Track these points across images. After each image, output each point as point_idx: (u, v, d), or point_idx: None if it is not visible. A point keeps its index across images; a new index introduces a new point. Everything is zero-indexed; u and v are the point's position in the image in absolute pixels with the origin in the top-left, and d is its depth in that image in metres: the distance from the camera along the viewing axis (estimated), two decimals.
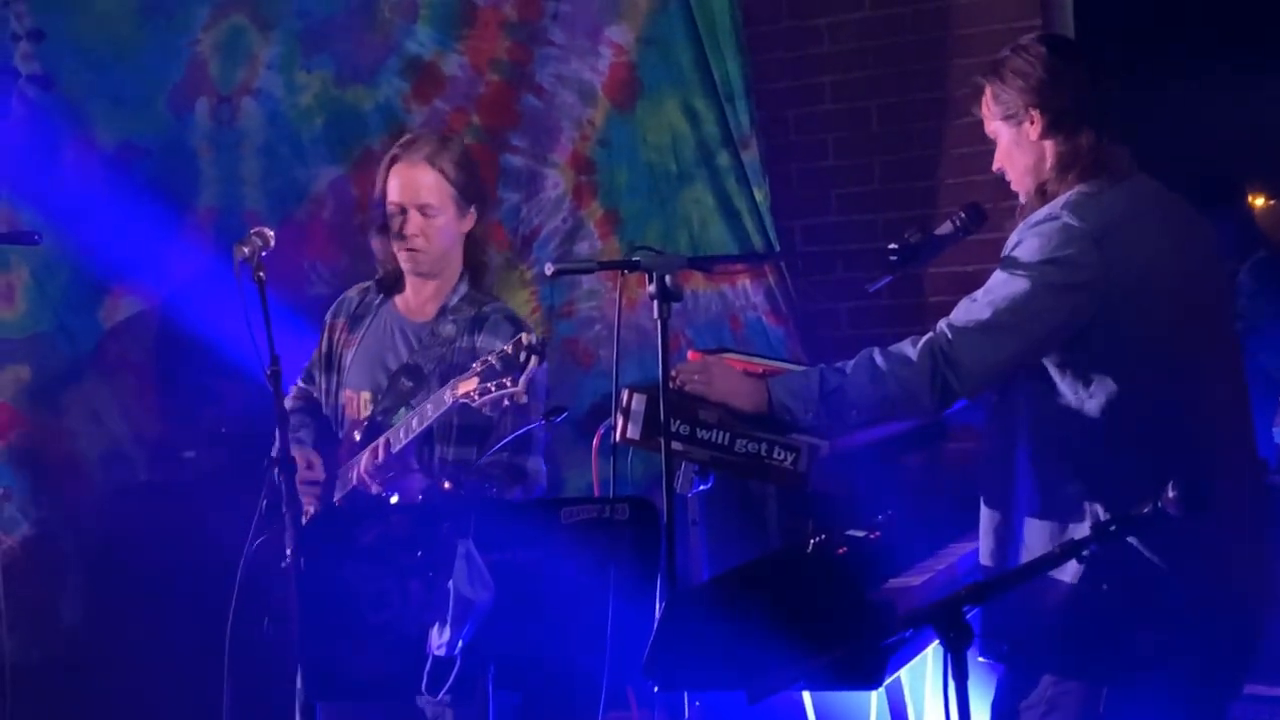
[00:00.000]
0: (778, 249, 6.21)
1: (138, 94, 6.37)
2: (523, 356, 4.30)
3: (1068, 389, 3.84)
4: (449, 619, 3.79)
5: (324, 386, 5.01)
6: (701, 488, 4.04)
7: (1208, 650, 3.79)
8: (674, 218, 6.27)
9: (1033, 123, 3.93)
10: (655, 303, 3.91)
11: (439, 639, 3.83)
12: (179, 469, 6.43)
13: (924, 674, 4.74)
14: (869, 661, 3.72)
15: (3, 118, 6.31)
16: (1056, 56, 3.96)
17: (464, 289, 4.92)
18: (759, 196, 6.18)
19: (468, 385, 4.38)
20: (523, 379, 4.30)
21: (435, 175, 4.83)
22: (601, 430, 4.19)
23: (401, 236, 4.82)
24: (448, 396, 4.45)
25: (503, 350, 4.34)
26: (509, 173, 6.35)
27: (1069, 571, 3.74)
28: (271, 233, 4.61)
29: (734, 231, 6.21)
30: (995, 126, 4.02)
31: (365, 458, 4.68)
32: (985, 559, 3.99)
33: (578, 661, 3.87)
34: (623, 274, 4.19)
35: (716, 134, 6.21)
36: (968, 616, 3.16)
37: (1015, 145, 3.98)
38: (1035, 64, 3.94)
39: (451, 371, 4.69)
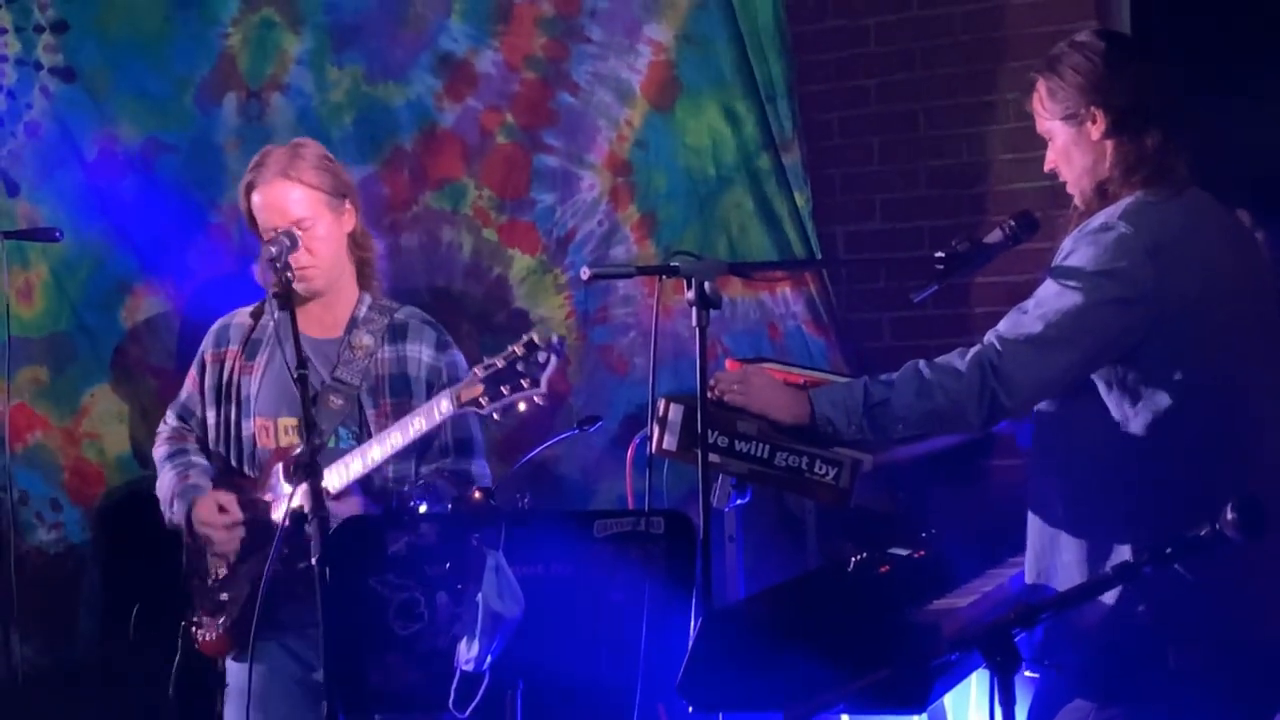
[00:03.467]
0: (819, 256, 6.13)
1: (164, 88, 6.37)
2: (541, 357, 4.26)
3: (1114, 405, 3.75)
4: (478, 633, 3.73)
5: (215, 420, 4.88)
6: (739, 502, 4.02)
7: (1248, 673, 3.72)
8: (712, 222, 6.19)
9: (1095, 122, 3.82)
10: (694, 309, 3.85)
11: (467, 653, 3.76)
12: None
13: (967, 695, 4.68)
14: (914, 684, 3.65)
15: (24, 111, 6.31)
16: (1118, 51, 3.85)
17: (367, 298, 4.84)
18: (800, 201, 6.08)
19: (472, 392, 4.32)
20: (544, 380, 4.26)
21: (297, 187, 4.72)
22: (636, 441, 4.17)
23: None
24: (445, 406, 4.39)
25: (510, 350, 4.29)
26: (543, 173, 6.28)
27: (1110, 593, 3.66)
28: (299, 233, 4.58)
29: (774, 237, 6.12)
30: (1050, 126, 3.91)
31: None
32: (1029, 578, 3.93)
33: (609, 679, 3.80)
34: (660, 280, 4.10)
35: (757, 136, 6.12)
36: (1016, 640, 3.10)
37: (1074, 145, 3.86)
38: (1096, 59, 3.82)
39: (384, 384, 4.70)
